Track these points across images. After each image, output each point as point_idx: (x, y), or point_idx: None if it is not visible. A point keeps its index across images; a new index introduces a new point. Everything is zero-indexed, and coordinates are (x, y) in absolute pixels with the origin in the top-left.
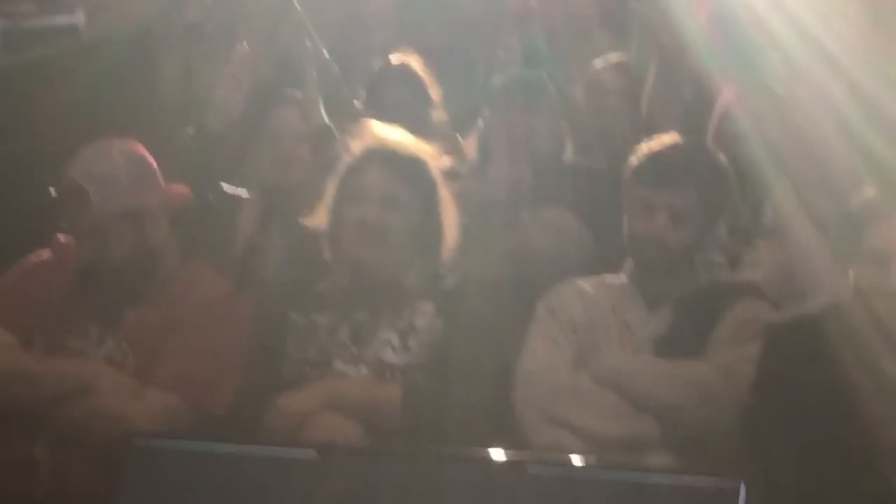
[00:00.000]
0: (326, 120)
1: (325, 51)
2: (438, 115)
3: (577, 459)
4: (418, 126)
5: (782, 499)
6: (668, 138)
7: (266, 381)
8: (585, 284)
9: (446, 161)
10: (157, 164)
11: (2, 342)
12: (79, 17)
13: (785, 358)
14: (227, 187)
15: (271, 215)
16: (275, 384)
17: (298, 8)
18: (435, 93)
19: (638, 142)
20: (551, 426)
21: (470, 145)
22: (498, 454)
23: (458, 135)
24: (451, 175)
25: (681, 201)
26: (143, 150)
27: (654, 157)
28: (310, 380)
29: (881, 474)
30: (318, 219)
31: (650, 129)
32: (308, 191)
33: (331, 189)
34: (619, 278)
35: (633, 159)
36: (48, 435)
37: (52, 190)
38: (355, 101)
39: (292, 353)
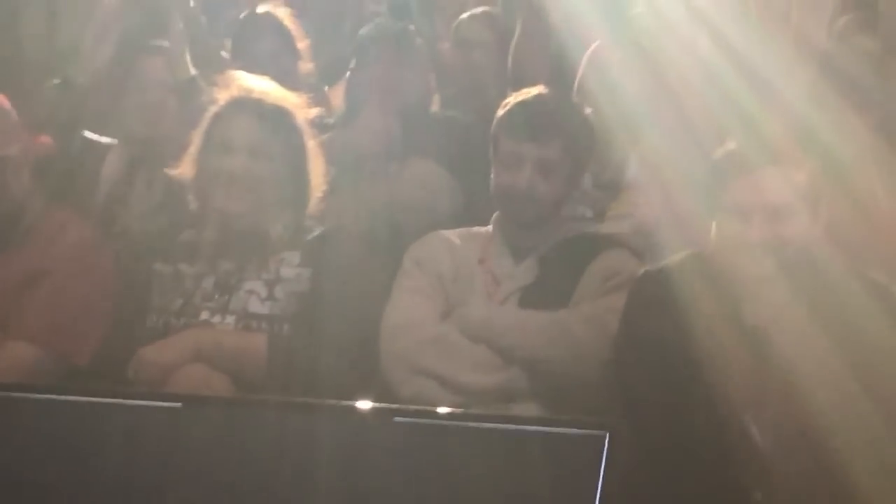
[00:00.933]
0: (193, 71)
1: (191, 0)
2: (305, 66)
3: (443, 410)
4: (285, 77)
5: (647, 448)
6: (534, 91)
7: (131, 331)
8: (452, 236)
9: (313, 112)
10: (22, 116)
11: None
12: None
13: (648, 308)
14: (91, 136)
15: (137, 165)
16: (140, 335)
17: None
18: (302, 43)
19: (505, 94)
20: (418, 377)
21: (337, 96)
22: (365, 405)
23: (325, 86)
24: (318, 126)
25: (547, 154)
26: (2, 101)
27: (521, 110)
28: (175, 330)
29: (742, 423)
30: (185, 169)
31: (517, 82)
32: (174, 141)
33: (197, 140)
34: (486, 230)
35: (500, 111)
36: None
37: None
38: (222, 52)
39: (157, 303)
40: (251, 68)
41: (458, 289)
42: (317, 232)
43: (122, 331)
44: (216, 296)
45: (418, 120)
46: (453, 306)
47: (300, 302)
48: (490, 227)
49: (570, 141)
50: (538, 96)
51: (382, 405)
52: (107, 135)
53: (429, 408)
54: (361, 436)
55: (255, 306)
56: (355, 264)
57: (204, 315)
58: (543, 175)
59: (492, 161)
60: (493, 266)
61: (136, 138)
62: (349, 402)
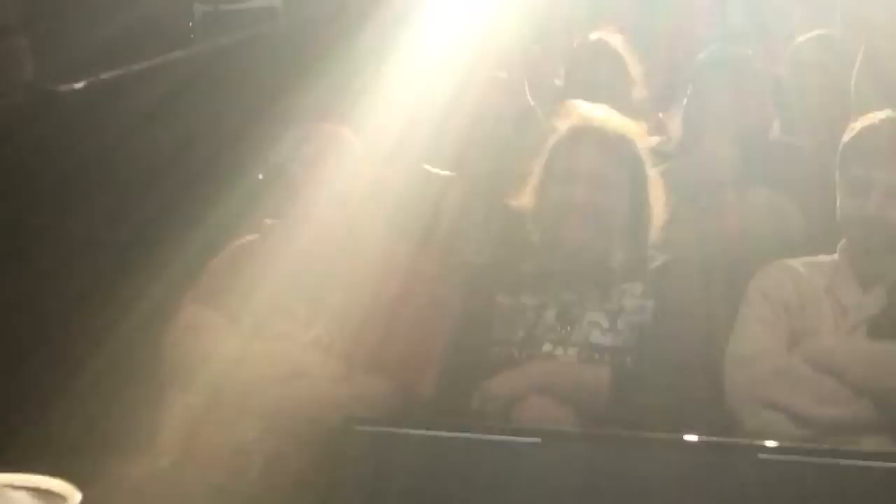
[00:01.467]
0: (531, 101)
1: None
2: (640, 92)
3: (808, 446)
4: (621, 104)
5: None
6: (882, 114)
7: (473, 363)
8: (797, 265)
9: (653, 140)
10: (365, 148)
11: (211, 323)
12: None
13: None
14: (430, 168)
15: (476, 197)
16: (482, 367)
17: None
18: (636, 69)
19: (847, 119)
20: (765, 410)
21: (674, 124)
22: (727, 440)
23: (660, 113)
24: (657, 154)
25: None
26: (347, 133)
27: (870, 134)
28: (517, 362)
29: None
30: (526, 200)
31: (862, 107)
32: (513, 172)
33: (538, 170)
34: (832, 258)
35: (847, 136)
36: (260, 420)
37: (259, 175)
38: (556, 81)
39: (500, 335)
40: (586, 96)
41: (804, 319)
42: (658, 262)
43: (464, 362)
44: (558, 327)
45: (757, 146)
46: (799, 337)
47: (643, 333)
48: (836, 256)
49: None
50: (887, 120)
51: (746, 441)
52: (446, 167)
53: (793, 444)
54: (725, 472)
55: (598, 338)
56: (698, 295)
57: (546, 347)
58: (893, 201)
59: (838, 187)
60: (841, 295)
61: (474, 170)
62: (711, 438)
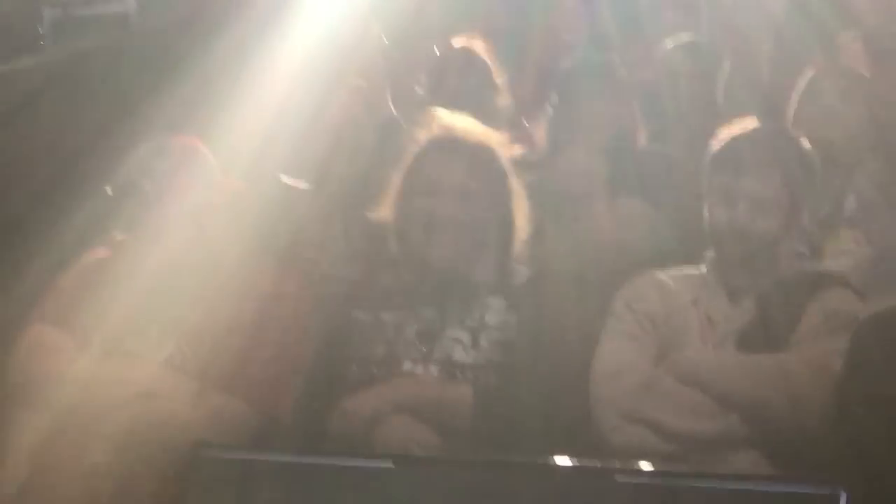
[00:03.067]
0: (393, 109)
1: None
2: (504, 101)
3: (665, 466)
4: (485, 113)
5: None
6: (748, 123)
7: (332, 382)
8: (664, 277)
9: (516, 150)
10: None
11: (58, 343)
12: (129, 5)
13: (875, 351)
14: (287, 180)
15: (334, 209)
16: (341, 386)
17: None
18: (500, 78)
19: (714, 127)
20: (631, 425)
21: (539, 133)
22: (585, 462)
23: (525, 122)
24: (521, 165)
25: (763, 189)
26: (198, 144)
27: (736, 143)
28: (377, 381)
29: None
30: (385, 212)
31: (728, 114)
32: (373, 184)
33: (397, 181)
34: (700, 270)
35: (713, 145)
36: (110, 442)
37: (108, 188)
38: (417, 88)
39: (358, 353)
40: (449, 105)
41: (671, 332)
42: (523, 276)
43: (322, 382)
44: (419, 344)
45: (624, 156)
46: (667, 350)
47: (506, 350)
48: (703, 267)
49: (788, 175)
50: (753, 129)
51: (601, 462)
52: (305, 180)
53: (649, 466)
54: (582, 496)
55: (460, 355)
56: (563, 309)
57: (406, 365)
58: (759, 211)
59: (705, 197)
60: (708, 307)
61: (334, 182)
62: (569, 462)
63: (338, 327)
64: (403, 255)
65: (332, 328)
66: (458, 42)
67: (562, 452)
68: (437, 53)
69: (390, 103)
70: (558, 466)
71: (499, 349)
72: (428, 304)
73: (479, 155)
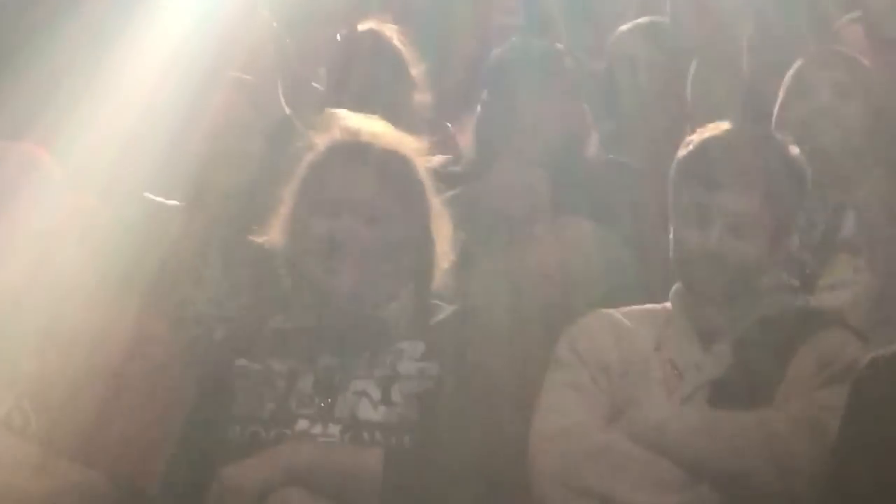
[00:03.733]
0: (286, 109)
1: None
2: (421, 98)
3: None
4: (397, 113)
5: None
6: (723, 126)
7: (210, 447)
8: (619, 316)
9: (437, 159)
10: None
11: None
12: None
13: (878, 405)
14: (152, 197)
15: (212, 232)
16: (221, 451)
17: None
18: (416, 69)
19: (682, 130)
20: (578, 498)
21: (465, 138)
22: None
23: (448, 125)
24: (443, 177)
25: (742, 206)
26: (42, 155)
27: (708, 150)
28: (265, 444)
29: None
30: (274, 236)
31: (699, 116)
32: (260, 200)
33: (290, 197)
34: (664, 308)
35: (681, 152)
36: None
37: None
38: (314, 83)
39: (242, 410)
40: (354, 103)
41: (628, 384)
42: (444, 314)
43: (197, 446)
44: (316, 399)
45: (571, 167)
46: (623, 407)
47: (425, 406)
48: (668, 304)
49: (772, 189)
50: (729, 133)
51: None
52: (173, 195)
53: None
54: None
55: (367, 412)
56: (495, 355)
57: (301, 424)
58: (738, 233)
59: (670, 217)
60: (674, 353)
61: (211, 197)
62: None
63: (217, 378)
64: (297, 288)
65: (209, 379)
66: (364, 26)
67: None
68: (340, 40)
69: (282, 101)
70: None
71: (415, 404)
72: (328, 350)
73: (391, 165)
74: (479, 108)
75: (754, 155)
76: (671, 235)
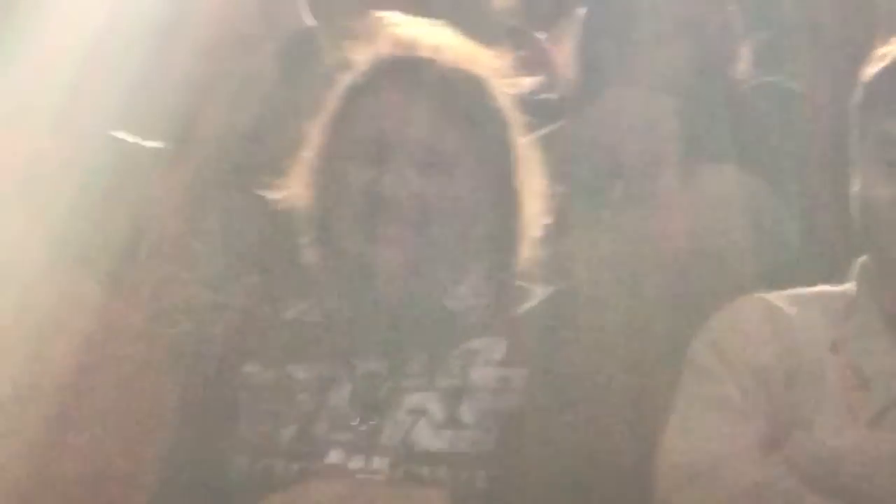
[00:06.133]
0: (309, 18)
1: None
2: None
3: None
4: (469, 18)
5: None
6: None
7: (206, 485)
8: (781, 303)
9: (525, 83)
10: None
11: None
12: None
13: None
14: (124, 136)
15: (207, 187)
16: (219, 493)
17: None
18: None
19: (871, 43)
20: None
21: (564, 55)
22: None
23: (540, 36)
24: (534, 108)
25: None
26: None
27: None
28: (282, 484)
29: None
30: (295, 191)
31: (893, 22)
32: (274, 143)
33: (317, 136)
34: (844, 291)
35: (870, 70)
36: None
37: None
38: None
39: (249, 435)
40: (406, 4)
41: (793, 396)
42: (534, 302)
43: (189, 485)
44: (355, 420)
45: (711, 94)
46: (787, 427)
47: (507, 429)
48: (851, 285)
49: None
50: None
51: None
52: (152, 135)
53: None
54: None
55: (426, 438)
56: (604, 357)
57: (334, 455)
58: None
59: (853, 163)
60: (859, 354)
61: (204, 136)
62: None
63: (216, 390)
64: (327, 264)
65: (205, 391)
66: None
67: None
68: None
69: (303, 5)
70: None
71: (493, 427)
72: (370, 351)
73: (460, 90)
74: (582, 12)
75: None
76: (854, 189)
